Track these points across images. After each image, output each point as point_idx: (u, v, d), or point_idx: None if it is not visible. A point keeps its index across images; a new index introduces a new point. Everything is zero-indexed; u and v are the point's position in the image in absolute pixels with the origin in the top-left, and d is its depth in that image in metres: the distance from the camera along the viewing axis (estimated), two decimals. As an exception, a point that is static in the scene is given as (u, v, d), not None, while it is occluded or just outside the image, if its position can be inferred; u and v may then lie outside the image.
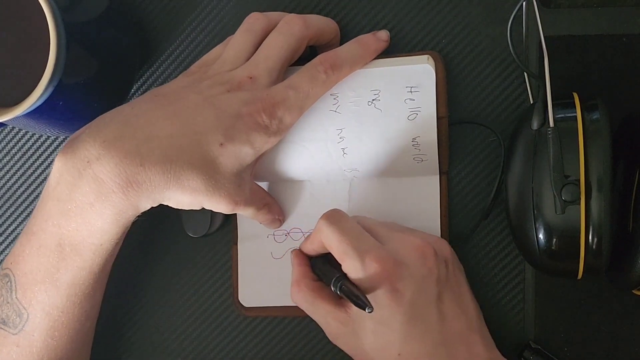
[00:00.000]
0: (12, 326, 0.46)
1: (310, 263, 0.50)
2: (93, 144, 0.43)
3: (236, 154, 0.45)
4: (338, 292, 0.45)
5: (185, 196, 0.44)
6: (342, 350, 0.52)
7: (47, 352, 0.46)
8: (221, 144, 0.44)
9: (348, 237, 0.45)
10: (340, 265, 0.46)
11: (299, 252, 0.50)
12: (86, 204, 0.43)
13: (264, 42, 0.48)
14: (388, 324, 0.44)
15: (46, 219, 0.44)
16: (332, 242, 0.46)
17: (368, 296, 0.44)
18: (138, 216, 0.45)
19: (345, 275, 0.46)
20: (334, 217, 0.47)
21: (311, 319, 0.54)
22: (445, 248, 0.48)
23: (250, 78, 0.46)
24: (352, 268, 0.45)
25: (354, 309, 0.45)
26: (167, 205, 0.46)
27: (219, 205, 0.46)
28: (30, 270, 0.45)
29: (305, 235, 0.53)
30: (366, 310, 0.42)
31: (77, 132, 0.45)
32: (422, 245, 0.46)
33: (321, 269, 0.49)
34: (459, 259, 0.49)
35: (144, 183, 0.43)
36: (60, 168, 0.43)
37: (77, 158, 0.43)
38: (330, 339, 0.48)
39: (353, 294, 0.43)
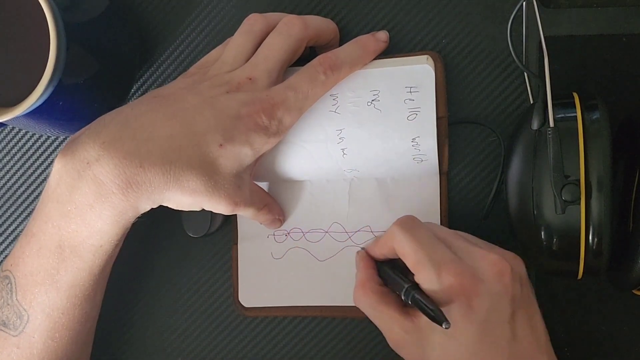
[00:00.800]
0: (12, 328, 0.46)
1: (376, 266, 0.48)
2: (93, 146, 0.43)
3: (235, 155, 0.45)
4: (409, 302, 0.43)
5: (185, 197, 0.44)
6: (341, 351, 0.52)
7: (47, 354, 0.46)
8: (220, 145, 0.44)
9: (424, 246, 0.44)
10: (408, 271, 0.45)
11: (365, 255, 0.48)
12: (86, 206, 0.43)
13: (263, 43, 0.48)
14: (458, 339, 0.42)
15: (46, 221, 0.44)
16: (407, 251, 0.44)
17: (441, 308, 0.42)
18: (138, 218, 0.45)
19: (416, 285, 0.44)
20: (408, 224, 0.45)
21: (311, 319, 0.54)
22: (521, 266, 0.45)
23: (250, 79, 0.46)
24: (427, 279, 0.43)
25: (423, 319, 0.43)
26: (167, 206, 0.46)
27: (219, 206, 0.46)
28: (31, 272, 0.45)
29: (306, 235, 0.53)
30: (442, 326, 0.40)
31: (77, 133, 0.45)
32: (499, 261, 0.43)
33: (389, 274, 0.46)
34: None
35: (144, 184, 0.43)
36: (59, 170, 0.43)
37: (77, 159, 0.43)
38: (392, 347, 0.46)
39: (428, 307, 0.42)
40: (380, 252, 0.47)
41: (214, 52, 0.50)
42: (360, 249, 0.50)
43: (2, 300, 0.46)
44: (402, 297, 0.44)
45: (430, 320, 0.41)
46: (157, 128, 0.44)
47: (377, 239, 0.48)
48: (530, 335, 0.44)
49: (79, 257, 0.44)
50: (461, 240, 0.46)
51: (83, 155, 0.43)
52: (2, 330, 0.46)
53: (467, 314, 0.42)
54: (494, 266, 0.43)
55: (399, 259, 0.45)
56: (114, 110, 0.46)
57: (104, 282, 0.49)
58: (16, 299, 0.45)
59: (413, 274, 0.44)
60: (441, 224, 0.51)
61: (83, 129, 0.45)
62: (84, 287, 0.45)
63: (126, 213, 0.44)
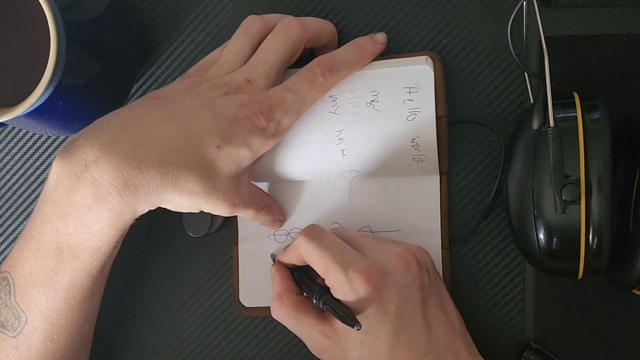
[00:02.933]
0: (10, 329, 0.46)
1: (293, 276, 0.49)
2: (90, 148, 0.43)
3: (233, 157, 0.45)
4: (321, 307, 0.45)
5: (183, 199, 0.44)
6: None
7: (45, 355, 0.46)
8: (218, 147, 0.44)
9: (330, 250, 0.46)
10: (320, 277, 0.46)
11: (281, 266, 0.50)
12: (84, 208, 0.43)
13: (261, 45, 0.48)
14: (376, 334, 0.44)
15: (44, 223, 0.44)
16: (314, 257, 0.46)
17: (354, 308, 0.44)
18: (136, 219, 0.45)
19: (327, 289, 0.46)
20: (313, 233, 0.47)
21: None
22: (426, 256, 0.48)
23: (248, 81, 0.46)
24: (337, 281, 0.45)
25: (340, 322, 0.44)
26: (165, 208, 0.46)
27: (218, 208, 0.46)
28: (29, 274, 0.45)
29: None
30: (354, 328, 0.42)
31: (75, 135, 0.45)
32: (404, 253, 0.46)
33: (303, 281, 0.48)
34: (457, 260, 0.49)
35: (142, 186, 0.43)
36: (58, 172, 0.43)
37: (75, 161, 0.43)
38: (315, 354, 0.48)
39: (339, 310, 0.43)
40: (289, 261, 0.49)
41: (212, 55, 0.50)
42: (270, 256, 0.52)
43: (1, 301, 0.46)
44: (314, 303, 0.46)
45: None
46: (155, 130, 0.44)
47: (285, 248, 0.49)
48: (445, 322, 0.46)
49: (77, 259, 0.44)
50: (366, 239, 0.48)
51: (81, 157, 0.43)
52: (0, 331, 0.46)
53: (380, 307, 0.44)
54: (399, 258, 0.45)
55: (308, 265, 0.47)
56: (111, 113, 0.46)
57: (103, 283, 0.49)
58: (14, 301, 0.45)
59: (324, 279, 0.46)
60: (441, 223, 0.51)
61: (81, 131, 0.45)
62: (82, 288, 0.46)
63: (124, 215, 0.44)
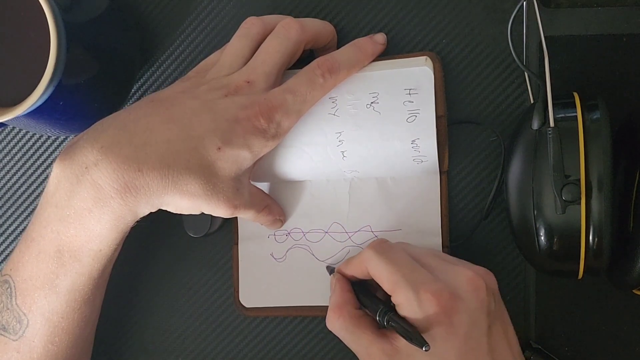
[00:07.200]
0: (12, 332, 0.46)
1: (352, 289, 0.48)
2: (91, 150, 0.43)
3: (234, 158, 0.45)
4: (385, 324, 0.44)
5: (184, 201, 0.44)
6: (342, 350, 0.52)
7: (47, 358, 0.46)
8: (219, 148, 0.44)
9: (400, 268, 0.44)
10: (381, 292, 0.46)
11: (342, 277, 0.49)
12: (84, 210, 0.43)
13: (261, 46, 0.48)
14: (443, 357, 0.43)
15: (45, 225, 0.44)
16: (383, 274, 0.45)
17: (420, 329, 0.43)
18: (137, 222, 0.45)
19: (392, 306, 0.45)
20: (382, 248, 0.46)
21: (311, 319, 0.54)
22: (493, 281, 0.46)
23: (248, 82, 0.46)
24: (405, 300, 0.43)
25: (402, 341, 0.43)
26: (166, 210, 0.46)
27: (218, 210, 0.46)
28: (30, 277, 0.45)
29: (306, 235, 0.53)
30: (423, 349, 0.41)
31: (75, 137, 0.45)
32: (474, 278, 0.44)
33: (364, 295, 0.47)
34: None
35: (142, 188, 0.43)
36: (58, 174, 0.43)
37: (75, 164, 0.43)
38: None
39: (406, 330, 0.42)
40: (352, 274, 0.48)
41: (212, 57, 0.50)
42: (326, 268, 0.51)
43: (2, 304, 0.46)
44: (377, 320, 0.44)
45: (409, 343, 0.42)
46: (155, 132, 0.43)
47: (348, 260, 0.48)
48: (507, 347, 0.45)
49: (78, 262, 0.44)
50: (435, 259, 0.46)
51: (81, 160, 0.43)
52: (2, 334, 0.46)
53: (448, 331, 0.42)
54: (469, 282, 0.44)
55: (370, 279, 0.46)
56: (111, 115, 0.46)
57: (104, 285, 0.49)
58: (16, 304, 0.45)
59: (388, 296, 0.45)
60: (441, 223, 0.51)
61: (81, 134, 0.45)
62: (83, 291, 0.46)
63: (125, 217, 0.44)
